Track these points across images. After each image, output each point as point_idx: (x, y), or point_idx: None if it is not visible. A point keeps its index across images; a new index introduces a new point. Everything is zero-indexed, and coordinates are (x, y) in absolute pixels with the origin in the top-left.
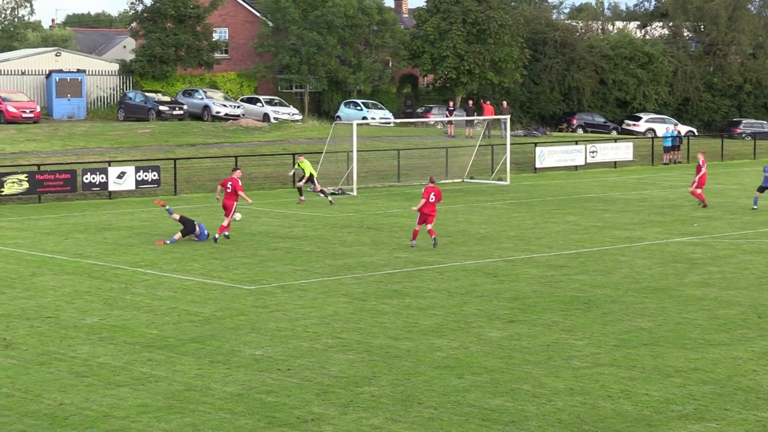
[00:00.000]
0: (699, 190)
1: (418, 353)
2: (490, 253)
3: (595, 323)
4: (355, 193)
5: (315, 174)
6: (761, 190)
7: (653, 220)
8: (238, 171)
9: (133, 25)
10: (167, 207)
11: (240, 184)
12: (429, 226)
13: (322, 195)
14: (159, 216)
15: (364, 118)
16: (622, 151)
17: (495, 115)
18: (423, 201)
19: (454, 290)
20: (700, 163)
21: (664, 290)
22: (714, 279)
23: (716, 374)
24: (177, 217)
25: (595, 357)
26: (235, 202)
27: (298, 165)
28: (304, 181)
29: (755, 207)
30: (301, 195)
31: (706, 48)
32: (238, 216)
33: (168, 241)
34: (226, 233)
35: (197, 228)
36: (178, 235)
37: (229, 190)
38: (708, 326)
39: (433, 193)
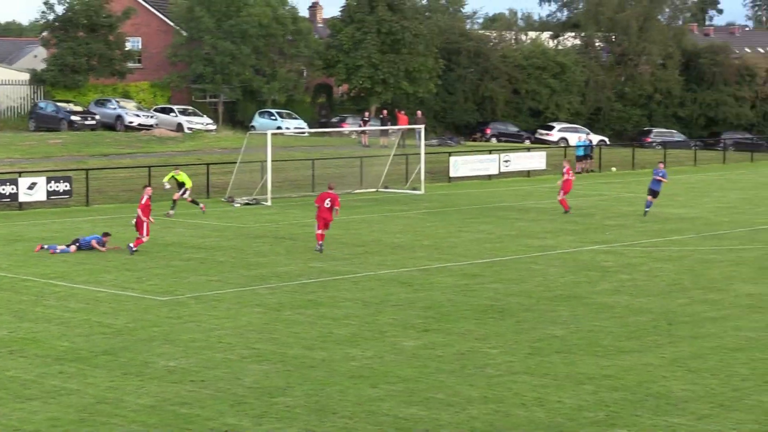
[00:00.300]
0: (563, 196)
1: (332, 363)
2: (404, 262)
3: (508, 331)
4: (269, 203)
5: (189, 185)
6: (653, 194)
7: (566, 229)
8: (149, 188)
9: (45, 34)
10: (50, 248)
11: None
12: (320, 231)
13: (199, 207)
14: (71, 227)
15: (279, 128)
16: (535, 160)
17: (409, 124)
18: (318, 206)
19: (369, 300)
20: (565, 170)
21: (576, 298)
22: (625, 287)
23: (627, 381)
24: (72, 248)
25: (509, 365)
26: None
27: (173, 177)
28: (181, 192)
29: (646, 211)
30: (172, 208)
31: (617, 58)
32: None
33: (58, 250)
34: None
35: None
36: (73, 247)
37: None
38: (619, 333)
39: (328, 199)
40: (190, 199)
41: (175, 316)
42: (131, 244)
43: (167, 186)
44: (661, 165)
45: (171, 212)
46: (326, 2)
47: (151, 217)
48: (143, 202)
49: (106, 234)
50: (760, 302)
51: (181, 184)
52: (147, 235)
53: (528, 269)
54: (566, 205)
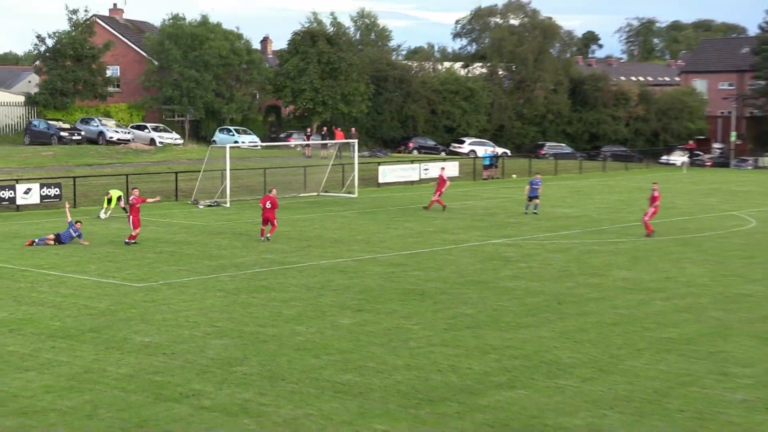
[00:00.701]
0: (436, 197)
1: (281, 338)
2: (341, 254)
3: (427, 311)
4: (228, 205)
5: (114, 198)
6: (530, 198)
7: (475, 225)
8: (136, 190)
9: (37, 63)
10: (36, 241)
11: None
12: (265, 228)
13: (127, 214)
14: (61, 225)
15: (236, 142)
16: (449, 168)
17: (345, 139)
18: (262, 207)
19: (312, 285)
20: (441, 174)
21: (483, 283)
22: (523, 273)
23: (525, 350)
24: (51, 237)
25: (428, 338)
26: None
27: (108, 201)
28: (120, 202)
29: (526, 212)
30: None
31: (516, 84)
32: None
33: (37, 241)
34: (132, 241)
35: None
36: (51, 236)
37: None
38: (518, 312)
39: (268, 201)
40: (123, 205)
41: (150, 299)
42: (127, 240)
43: (104, 216)
44: (538, 176)
45: (77, 224)
46: (275, 36)
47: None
48: (132, 200)
49: (78, 221)
50: (633, 285)
51: (119, 198)
52: (135, 228)
53: (444, 259)
54: (440, 203)
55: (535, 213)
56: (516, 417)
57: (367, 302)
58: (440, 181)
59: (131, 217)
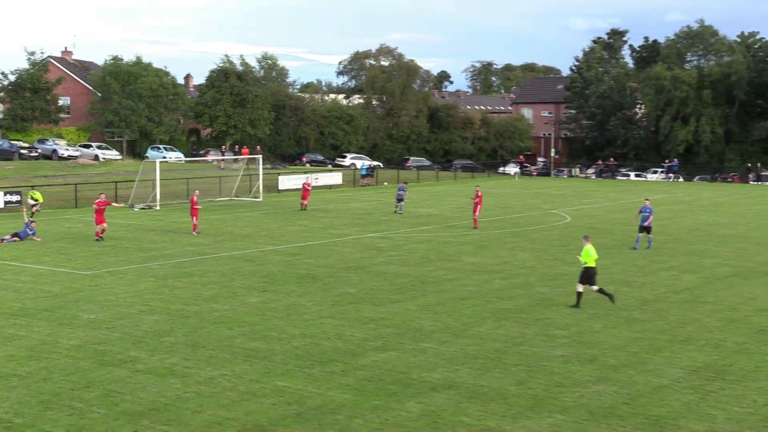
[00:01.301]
0: (305, 202)
1: (202, 314)
2: (249, 246)
3: (318, 290)
4: (158, 207)
5: (41, 200)
6: (398, 201)
7: (355, 223)
8: (102, 194)
9: (1, 94)
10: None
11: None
12: (194, 219)
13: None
14: (20, 226)
15: (164, 157)
16: (334, 177)
17: (252, 155)
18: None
19: (226, 271)
20: (306, 183)
21: (362, 268)
22: (393, 259)
23: (395, 321)
24: (7, 237)
25: (319, 312)
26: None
27: (32, 196)
28: (35, 205)
29: (395, 211)
30: (31, 216)
31: (387, 111)
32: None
33: (4, 240)
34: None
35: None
36: (8, 236)
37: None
38: (390, 290)
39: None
40: (35, 209)
41: (95, 284)
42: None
43: (31, 202)
44: (404, 183)
45: (32, 223)
46: (196, 74)
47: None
48: (98, 204)
49: (33, 221)
50: (478, 268)
51: (35, 201)
52: (98, 224)
53: (331, 249)
54: (304, 205)
55: (400, 213)
56: (388, 373)
57: (270, 284)
58: (305, 189)
59: (96, 216)
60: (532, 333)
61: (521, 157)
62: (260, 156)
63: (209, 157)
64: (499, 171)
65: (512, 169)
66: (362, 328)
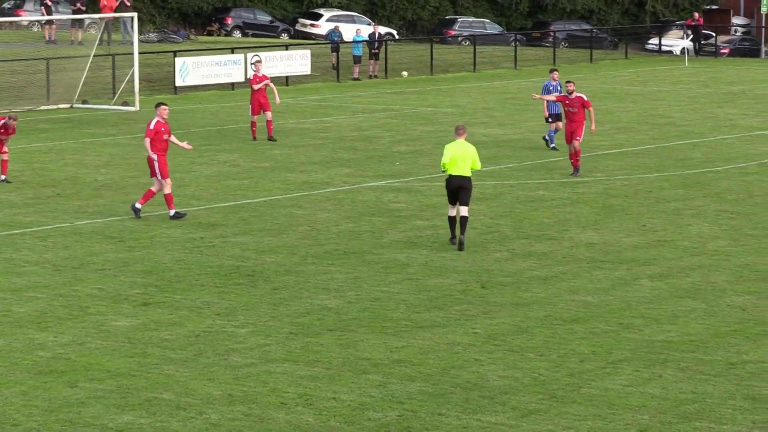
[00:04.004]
0: (254, 118)
1: (11, 354)
2: (113, 208)
3: (262, 303)
4: None
5: None
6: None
7: (340, 158)
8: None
9: None
10: None
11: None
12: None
13: None
14: None
15: None
16: (296, 62)
17: (115, 11)
18: None
19: (63, 263)
20: (256, 74)
21: (356, 254)
22: (423, 237)
23: (427, 367)
24: None
25: (264, 350)
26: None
27: None
28: None
29: (548, 143)
30: None
31: None
32: None
33: None
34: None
35: None
36: None
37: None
38: (416, 302)
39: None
40: None
41: None
42: None
43: None
44: (555, 72)
45: None
46: None
47: None
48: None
49: None
50: (603, 254)
51: None
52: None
53: (289, 215)
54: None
55: (554, 148)
56: None
57: (158, 290)
58: (256, 89)
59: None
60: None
61: (696, 16)
62: (134, 15)
63: (23, 17)
64: (649, 46)
65: (677, 42)
66: (357, 382)
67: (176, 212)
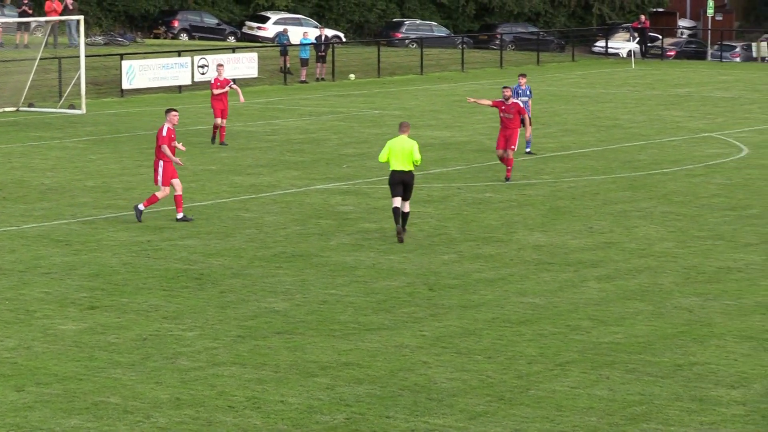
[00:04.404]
0: (219, 121)
1: None
2: (60, 211)
3: (209, 306)
4: None
5: None
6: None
7: (287, 161)
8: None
9: None
10: None
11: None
12: None
13: None
14: None
15: None
16: (243, 64)
17: (61, 14)
18: None
19: (9, 266)
20: (218, 78)
21: (304, 257)
22: (371, 240)
23: (375, 370)
24: None
25: (211, 353)
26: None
27: None
28: None
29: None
30: None
31: None
32: None
33: None
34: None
35: None
36: None
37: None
38: (363, 305)
39: None
40: None
41: None
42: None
43: None
44: (523, 78)
45: None
46: None
47: None
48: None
49: None
50: (551, 256)
51: None
52: None
53: (236, 218)
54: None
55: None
56: None
57: (105, 294)
58: (218, 93)
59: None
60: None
61: (643, 18)
62: (80, 17)
63: None
64: (596, 49)
65: (624, 44)
66: (305, 385)
67: (183, 215)
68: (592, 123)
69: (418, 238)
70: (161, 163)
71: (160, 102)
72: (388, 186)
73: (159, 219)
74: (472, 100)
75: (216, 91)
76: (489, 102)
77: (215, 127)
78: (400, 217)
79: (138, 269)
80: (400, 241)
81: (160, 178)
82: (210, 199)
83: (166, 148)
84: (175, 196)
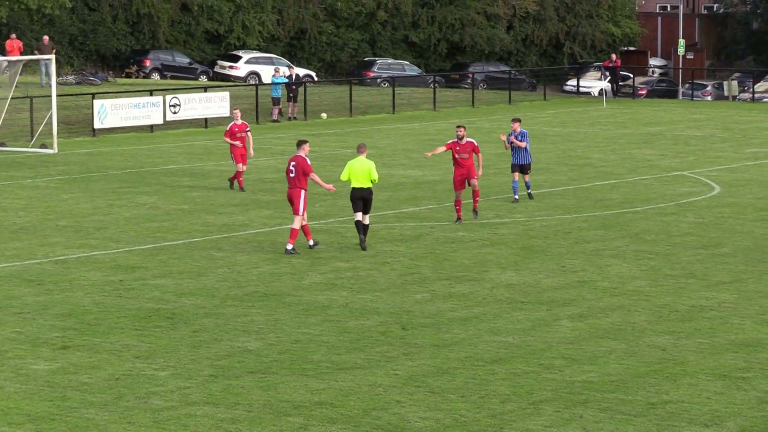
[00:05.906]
0: (240, 167)
1: None
2: (31, 251)
3: (182, 345)
4: None
5: None
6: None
7: (260, 200)
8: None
9: None
10: None
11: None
12: None
13: None
14: None
15: None
16: (215, 104)
17: (31, 54)
18: None
19: None
20: (235, 123)
21: (277, 296)
22: (344, 278)
23: (348, 409)
24: None
25: (184, 393)
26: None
27: None
28: None
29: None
30: None
31: None
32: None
33: None
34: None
35: None
36: None
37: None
38: (336, 344)
39: None
40: None
41: None
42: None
43: None
44: (518, 123)
45: None
46: None
47: None
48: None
49: None
50: (524, 295)
51: None
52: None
53: (208, 258)
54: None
55: (519, 200)
56: None
57: (77, 333)
58: (235, 139)
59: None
60: None
61: (614, 57)
62: (52, 57)
63: None
64: (568, 87)
65: (595, 83)
66: (278, 424)
67: (314, 241)
68: (564, 162)
69: (390, 278)
70: (302, 192)
71: (132, 141)
72: (350, 202)
73: (131, 258)
74: (429, 154)
75: (229, 140)
76: (443, 148)
77: (239, 173)
78: (362, 228)
79: (110, 309)
80: (363, 249)
81: (301, 207)
82: (182, 239)
83: (316, 176)
84: (303, 226)
